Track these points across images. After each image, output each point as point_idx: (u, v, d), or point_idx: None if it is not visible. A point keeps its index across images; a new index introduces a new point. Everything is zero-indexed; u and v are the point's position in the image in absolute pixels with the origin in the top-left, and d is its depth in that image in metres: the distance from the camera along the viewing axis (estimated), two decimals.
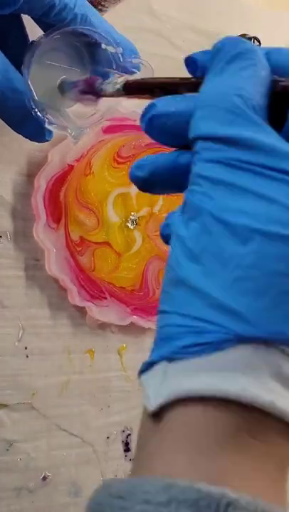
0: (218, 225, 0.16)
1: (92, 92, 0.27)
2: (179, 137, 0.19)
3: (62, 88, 0.29)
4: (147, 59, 0.35)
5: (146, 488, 0.15)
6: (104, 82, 0.26)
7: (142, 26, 0.41)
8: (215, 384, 0.15)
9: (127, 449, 0.38)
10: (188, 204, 0.17)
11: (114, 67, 0.28)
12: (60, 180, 0.36)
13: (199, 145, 0.18)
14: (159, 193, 0.36)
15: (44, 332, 0.36)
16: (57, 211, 0.36)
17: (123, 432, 0.38)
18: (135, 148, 0.38)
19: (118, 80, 0.25)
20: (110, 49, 0.28)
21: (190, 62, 0.20)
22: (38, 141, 0.30)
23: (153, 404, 0.16)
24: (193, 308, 0.16)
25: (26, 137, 0.29)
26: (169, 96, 0.20)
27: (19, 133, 0.29)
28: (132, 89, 0.24)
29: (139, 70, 0.29)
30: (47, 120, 0.28)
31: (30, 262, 0.36)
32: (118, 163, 0.37)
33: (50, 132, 0.30)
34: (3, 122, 0.28)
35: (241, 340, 0.15)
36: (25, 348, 0.36)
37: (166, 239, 0.21)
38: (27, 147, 0.36)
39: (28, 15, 0.27)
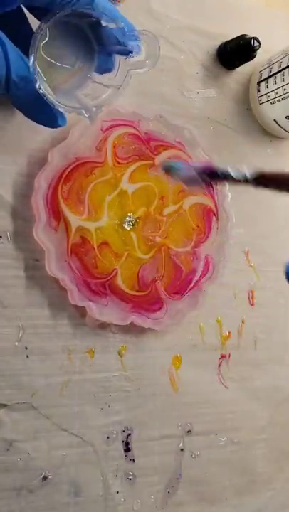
0: None
1: (211, 176, 0.29)
2: None
3: (171, 173, 0.31)
4: None
5: None
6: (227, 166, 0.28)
7: (142, 27, 0.41)
8: None
9: (127, 449, 0.38)
10: None
11: (118, 43, 0.29)
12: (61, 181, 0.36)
13: None
14: None
15: (44, 332, 0.36)
16: (57, 211, 0.36)
17: (123, 431, 0.38)
18: (134, 150, 0.38)
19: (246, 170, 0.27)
20: (111, 25, 0.28)
21: None
22: (53, 127, 0.31)
23: None
24: None
25: (41, 124, 0.30)
26: None
27: (33, 120, 0.30)
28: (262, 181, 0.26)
29: (140, 42, 0.29)
30: (59, 104, 0.28)
31: (30, 262, 0.36)
32: (118, 163, 0.37)
33: (64, 118, 0.30)
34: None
35: None
36: (26, 348, 0.36)
37: None
38: (27, 147, 0.37)
39: (36, 4, 0.27)
